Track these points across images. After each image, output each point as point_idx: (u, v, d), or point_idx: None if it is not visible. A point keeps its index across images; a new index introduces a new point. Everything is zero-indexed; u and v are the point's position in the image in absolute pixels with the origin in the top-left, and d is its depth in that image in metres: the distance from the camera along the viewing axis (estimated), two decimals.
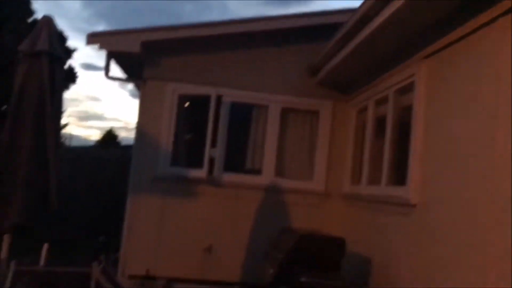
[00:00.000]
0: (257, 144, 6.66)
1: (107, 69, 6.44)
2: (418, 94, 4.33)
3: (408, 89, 4.64)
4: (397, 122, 4.95)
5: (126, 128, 55.26)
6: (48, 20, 4.06)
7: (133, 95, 47.23)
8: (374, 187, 5.28)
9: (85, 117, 51.98)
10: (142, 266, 6.11)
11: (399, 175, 4.71)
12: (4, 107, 17.78)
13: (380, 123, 5.37)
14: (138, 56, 6.21)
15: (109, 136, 27.38)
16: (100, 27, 55.46)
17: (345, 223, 6.04)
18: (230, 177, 6.43)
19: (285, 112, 6.62)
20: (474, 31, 3.49)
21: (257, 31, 6.35)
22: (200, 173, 6.30)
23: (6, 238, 3.76)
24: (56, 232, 6.42)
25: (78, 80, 20.45)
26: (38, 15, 14.52)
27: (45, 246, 3.75)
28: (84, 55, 73.50)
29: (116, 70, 6.84)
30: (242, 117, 6.74)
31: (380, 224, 5.00)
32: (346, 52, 5.22)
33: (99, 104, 55.06)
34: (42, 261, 3.70)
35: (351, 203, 6.04)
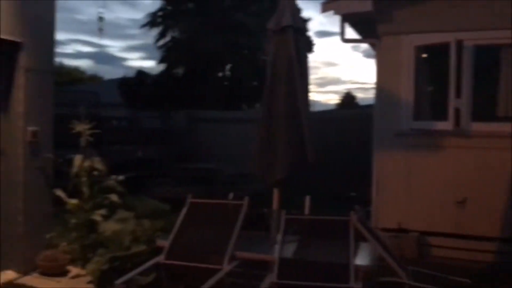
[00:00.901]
0: (508, 88, 6.06)
1: (342, 32, 6.71)
2: None
3: None
4: None
5: (363, 89, 55.84)
6: None
7: (367, 55, 47.30)
8: None
9: (323, 83, 54.42)
10: (393, 219, 6.28)
11: None
12: (255, 82, 20.03)
13: None
14: (370, 14, 6.28)
15: (348, 98, 28.30)
16: None
17: None
18: (479, 127, 6.03)
19: None
20: None
21: None
22: (445, 125, 6.08)
23: (276, 192, 4.39)
24: (315, 185, 7.08)
25: (314, 48, 21.56)
26: None
27: (307, 197, 4.27)
28: (316, 24, 76.53)
29: (350, 32, 7.07)
30: (488, 60, 6.21)
31: None
32: None
33: (335, 69, 56.78)
34: (306, 211, 4.23)
35: None
